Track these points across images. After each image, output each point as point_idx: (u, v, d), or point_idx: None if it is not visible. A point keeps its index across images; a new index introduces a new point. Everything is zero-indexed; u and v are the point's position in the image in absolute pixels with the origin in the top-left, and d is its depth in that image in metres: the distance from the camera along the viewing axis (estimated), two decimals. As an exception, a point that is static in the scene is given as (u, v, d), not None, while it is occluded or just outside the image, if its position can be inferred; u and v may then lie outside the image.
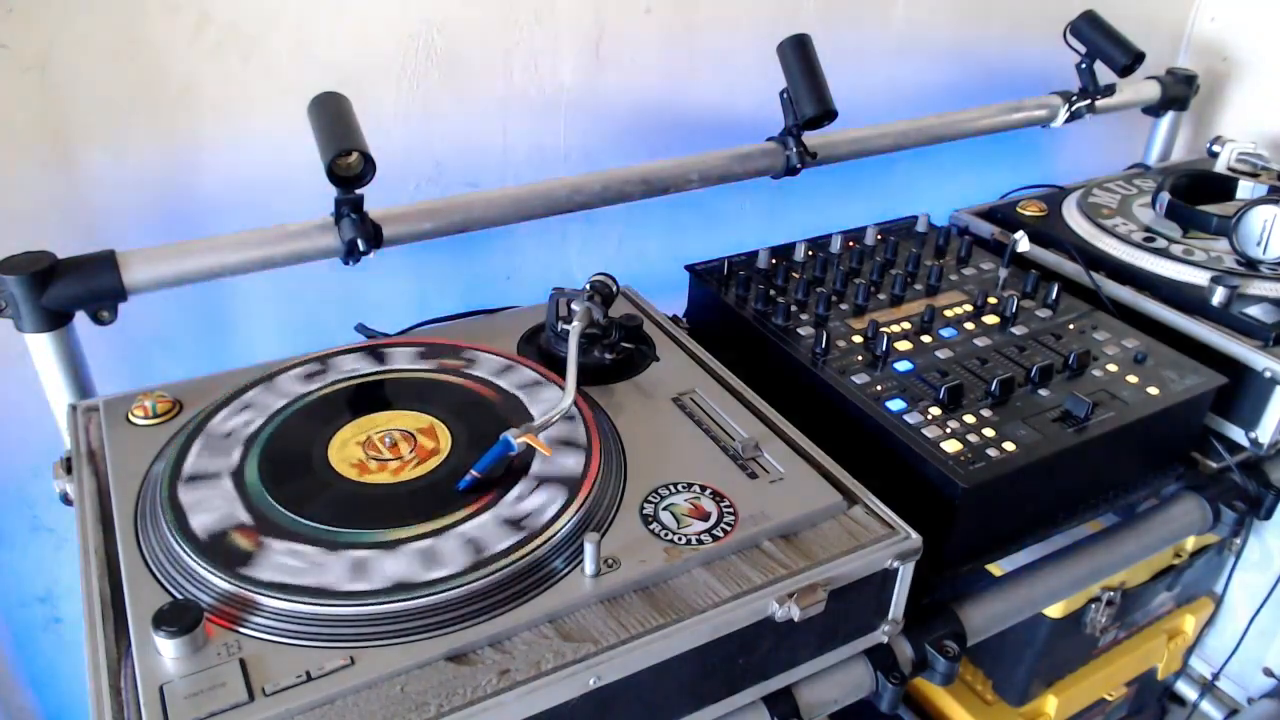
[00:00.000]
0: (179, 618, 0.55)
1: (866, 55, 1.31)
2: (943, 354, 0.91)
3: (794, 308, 0.97)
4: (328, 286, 1.06)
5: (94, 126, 0.89)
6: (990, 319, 0.98)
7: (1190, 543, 1.21)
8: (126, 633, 0.58)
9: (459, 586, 0.60)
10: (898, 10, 1.30)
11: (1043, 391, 0.86)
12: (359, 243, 0.86)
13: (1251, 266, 1.03)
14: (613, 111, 1.16)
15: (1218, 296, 0.98)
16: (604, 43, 1.11)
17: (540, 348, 0.88)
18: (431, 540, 0.63)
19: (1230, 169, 1.25)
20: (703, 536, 0.66)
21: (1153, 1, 1.55)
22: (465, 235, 0.97)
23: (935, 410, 0.83)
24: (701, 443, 0.76)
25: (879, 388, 0.86)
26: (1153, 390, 0.88)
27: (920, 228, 1.16)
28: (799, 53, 1.04)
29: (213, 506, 0.66)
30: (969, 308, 0.99)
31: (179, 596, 0.60)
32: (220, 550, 0.62)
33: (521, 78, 1.08)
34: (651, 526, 0.67)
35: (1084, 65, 1.29)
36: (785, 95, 1.06)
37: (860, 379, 0.87)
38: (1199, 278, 1.03)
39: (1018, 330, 0.96)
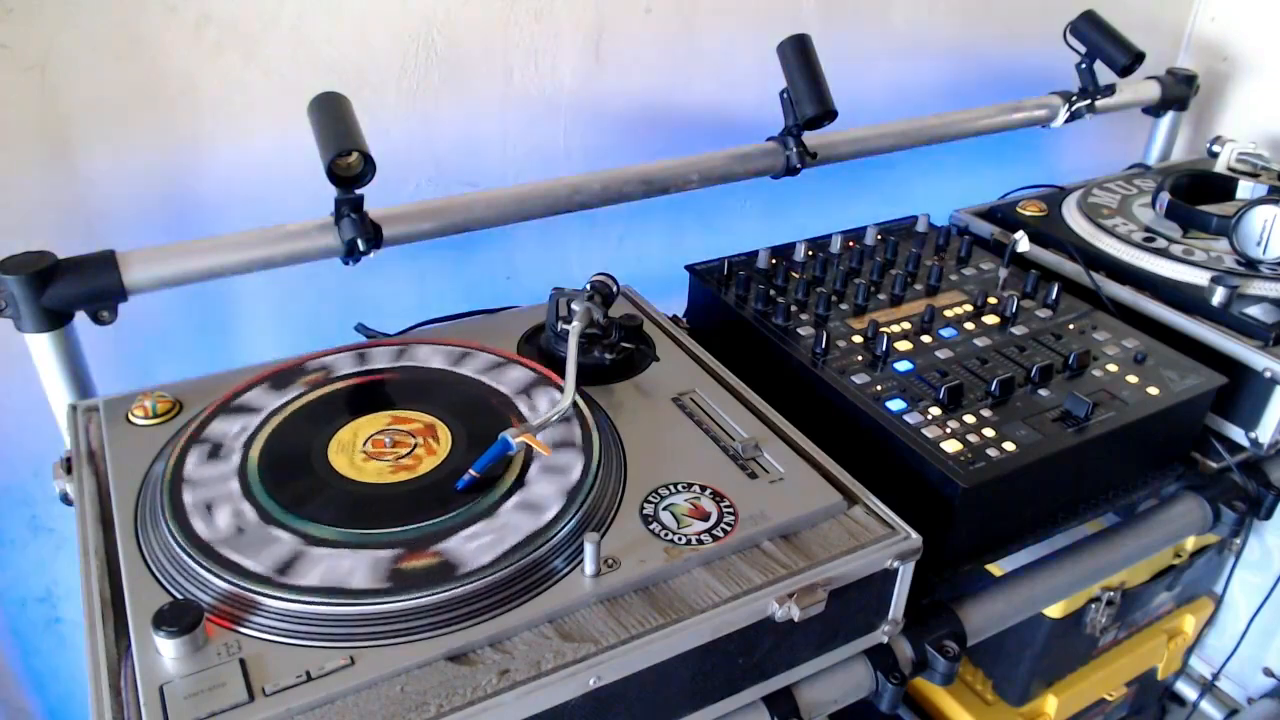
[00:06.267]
0: (179, 618, 0.55)
1: (866, 55, 1.31)
2: (943, 354, 0.91)
3: (794, 308, 0.97)
4: (328, 286, 1.06)
5: (94, 126, 0.89)
6: (990, 319, 0.98)
7: (1190, 543, 1.21)
8: (126, 633, 0.58)
9: (459, 586, 0.60)
10: (898, 10, 1.30)
11: (1043, 391, 0.86)
12: (359, 243, 0.86)
13: (1251, 266, 1.03)
14: (613, 111, 1.16)
15: (1218, 296, 0.98)
16: (604, 43, 1.11)
17: (540, 348, 0.88)
18: (431, 540, 0.63)
19: (1230, 169, 1.25)
20: (703, 536, 0.66)
21: (1153, 1, 1.55)
22: (465, 235, 0.97)
23: (935, 410, 0.83)
24: (701, 443, 0.76)
25: (879, 388, 0.86)
26: (1153, 390, 0.88)
27: (920, 228, 1.16)
28: (799, 53, 1.04)
29: (213, 507, 0.66)
30: (969, 308, 0.99)
31: (179, 596, 0.60)
32: (219, 551, 0.62)
33: (521, 78, 1.08)
34: (651, 526, 0.67)
35: (1084, 65, 1.29)
36: (785, 95, 1.06)
37: (860, 379, 0.87)
38: (1199, 278, 1.03)
39: (1018, 330, 0.96)
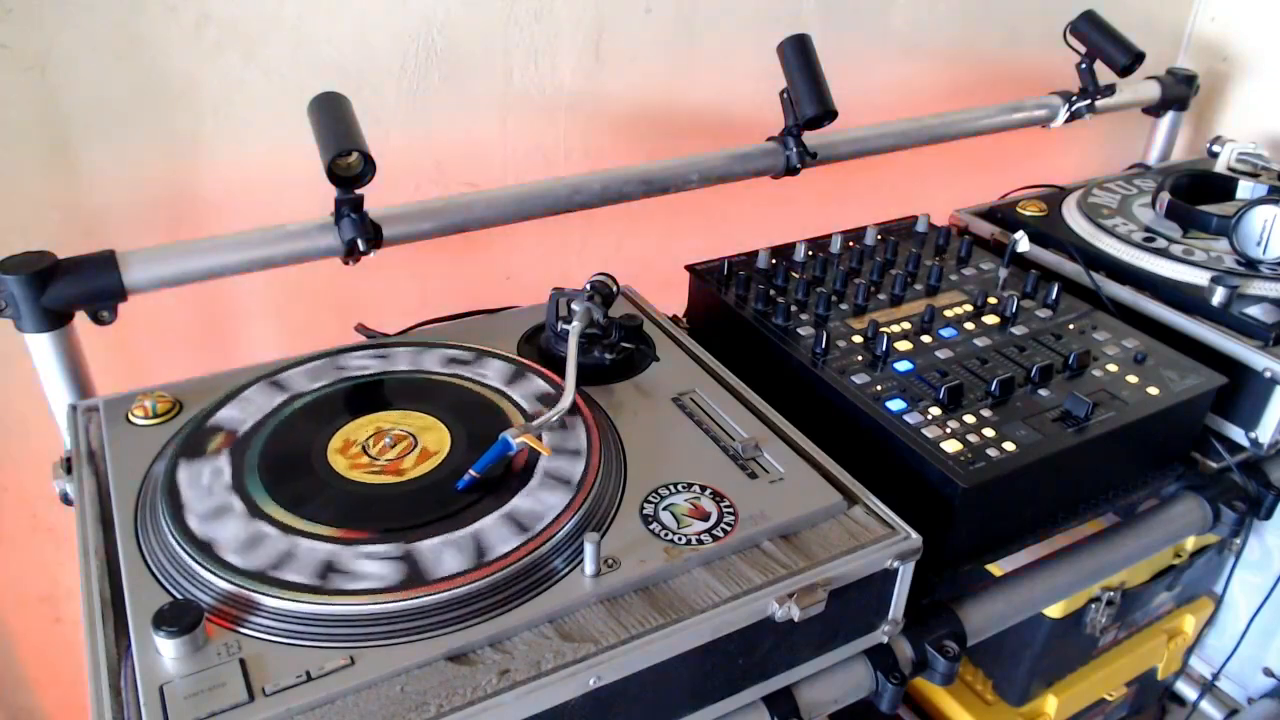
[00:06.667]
0: (179, 618, 0.55)
1: (866, 55, 1.31)
2: (943, 354, 0.91)
3: (794, 308, 0.97)
4: (328, 286, 1.06)
5: (94, 126, 0.89)
6: (990, 319, 0.98)
7: (1190, 543, 1.21)
8: (126, 633, 0.58)
9: (459, 586, 0.60)
10: (898, 10, 1.30)
11: (1043, 391, 0.86)
12: (359, 243, 0.86)
13: (1251, 266, 1.03)
14: (613, 111, 1.16)
15: (1218, 296, 0.98)
16: (604, 43, 1.11)
17: (540, 348, 0.88)
18: (431, 540, 0.63)
19: (1230, 169, 1.25)
20: (703, 536, 0.66)
21: (1153, 1, 1.55)
22: (465, 235, 0.97)
23: (935, 410, 0.83)
24: (701, 443, 0.76)
25: (879, 388, 0.86)
26: (1153, 390, 0.88)
27: (920, 228, 1.16)
28: (799, 53, 1.04)
29: (213, 507, 0.66)
30: (969, 308, 0.99)
31: (179, 596, 0.60)
32: (219, 551, 0.62)
33: (521, 78, 1.08)
34: (651, 526, 0.67)
35: (1084, 65, 1.29)
36: (785, 95, 1.06)
37: (860, 379, 0.87)
38: (1199, 278, 1.03)
39: (1018, 330, 0.96)
